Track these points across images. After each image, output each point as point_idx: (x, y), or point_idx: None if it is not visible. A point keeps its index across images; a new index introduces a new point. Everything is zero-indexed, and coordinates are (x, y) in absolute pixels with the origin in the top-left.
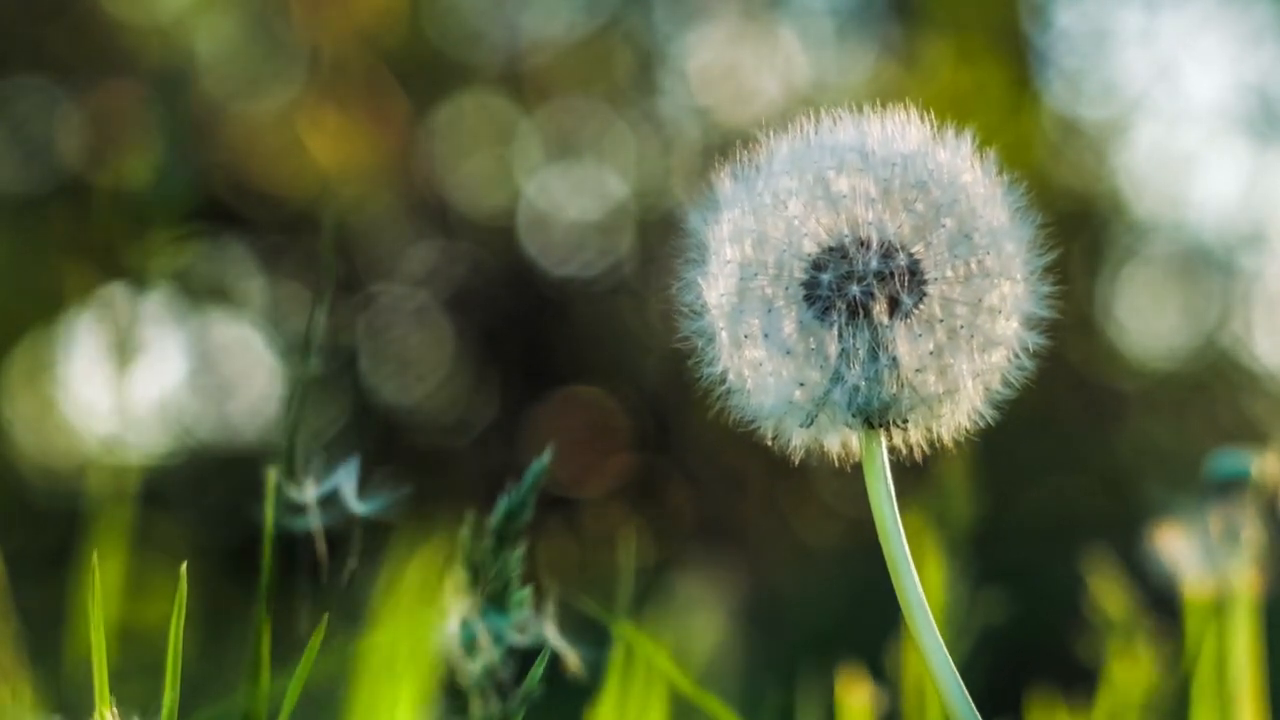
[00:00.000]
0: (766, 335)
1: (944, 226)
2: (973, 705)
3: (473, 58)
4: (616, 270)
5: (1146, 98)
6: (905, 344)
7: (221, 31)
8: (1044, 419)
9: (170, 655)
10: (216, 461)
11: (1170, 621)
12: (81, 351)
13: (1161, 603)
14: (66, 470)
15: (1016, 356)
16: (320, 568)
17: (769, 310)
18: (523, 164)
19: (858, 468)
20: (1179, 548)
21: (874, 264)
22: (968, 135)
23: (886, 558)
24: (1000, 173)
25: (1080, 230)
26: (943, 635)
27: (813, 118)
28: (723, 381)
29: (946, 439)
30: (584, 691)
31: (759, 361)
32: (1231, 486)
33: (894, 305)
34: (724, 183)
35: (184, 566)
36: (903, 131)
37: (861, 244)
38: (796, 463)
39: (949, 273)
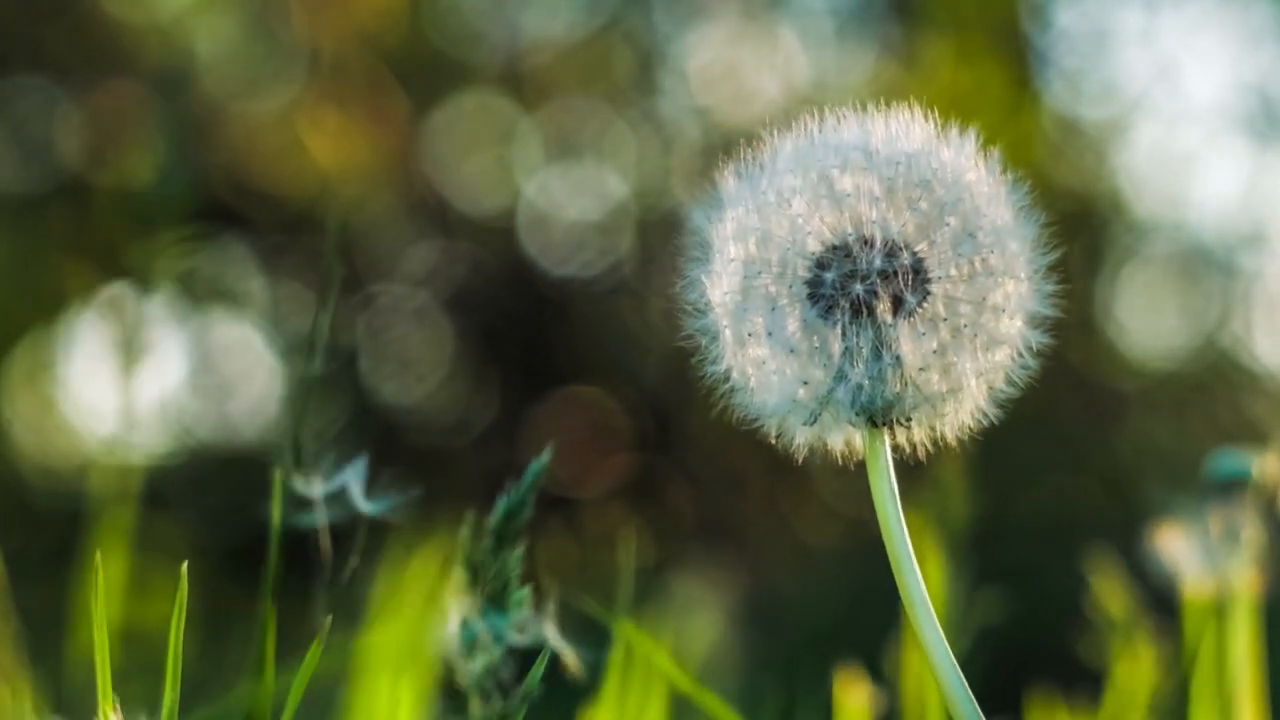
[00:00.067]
0: (770, 333)
1: (948, 225)
2: (975, 703)
3: (473, 58)
4: (616, 270)
5: (1146, 98)
6: (909, 342)
7: (221, 31)
8: (1044, 419)
9: (171, 655)
10: (216, 461)
11: (1170, 621)
12: (82, 351)
13: (1161, 603)
14: (67, 470)
15: (1020, 355)
16: (325, 565)
17: (773, 308)
18: (523, 164)
19: (858, 467)
20: (1179, 548)
21: (878, 262)
22: (971, 134)
23: (890, 556)
24: (1004, 171)
25: (1080, 230)
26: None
27: (817, 116)
28: (726, 380)
29: (950, 438)
30: (583, 691)
31: (762, 360)
32: (1231, 486)
33: (898, 304)
34: (728, 181)
35: (185, 566)
36: (907, 130)
37: (865, 242)
38: (797, 462)
39: (953, 271)
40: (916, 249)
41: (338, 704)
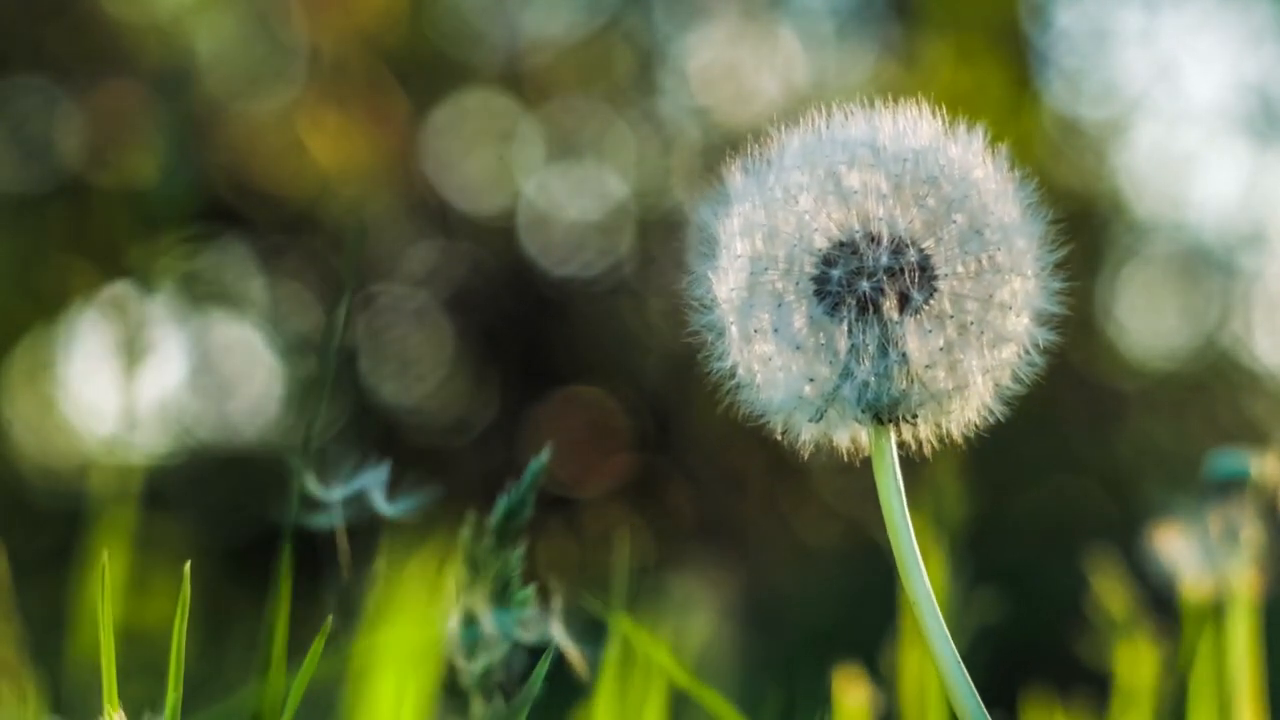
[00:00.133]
0: (776, 330)
1: (955, 222)
2: (978, 698)
3: (473, 58)
4: (616, 270)
5: (1146, 98)
6: (915, 340)
7: (221, 31)
8: (1044, 419)
9: (174, 655)
10: (216, 461)
11: (1169, 621)
12: (82, 351)
13: (1160, 603)
14: (67, 470)
15: (1026, 352)
16: (344, 568)
17: (779, 305)
18: (523, 164)
19: (858, 466)
20: (1178, 548)
21: (884, 259)
22: (979, 131)
23: (895, 553)
24: (1010, 169)
25: (1080, 230)
26: None
27: (824, 112)
28: (732, 376)
29: (956, 435)
30: (580, 689)
31: (769, 356)
32: (1230, 486)
33: (904, 301)
34: (735, 176)
35: (188, 566)
36: (914, 127)
37: (872, 239)
38: (797, 462)
39: (960, 268)
40: (923, 246)
41: (339, 704)
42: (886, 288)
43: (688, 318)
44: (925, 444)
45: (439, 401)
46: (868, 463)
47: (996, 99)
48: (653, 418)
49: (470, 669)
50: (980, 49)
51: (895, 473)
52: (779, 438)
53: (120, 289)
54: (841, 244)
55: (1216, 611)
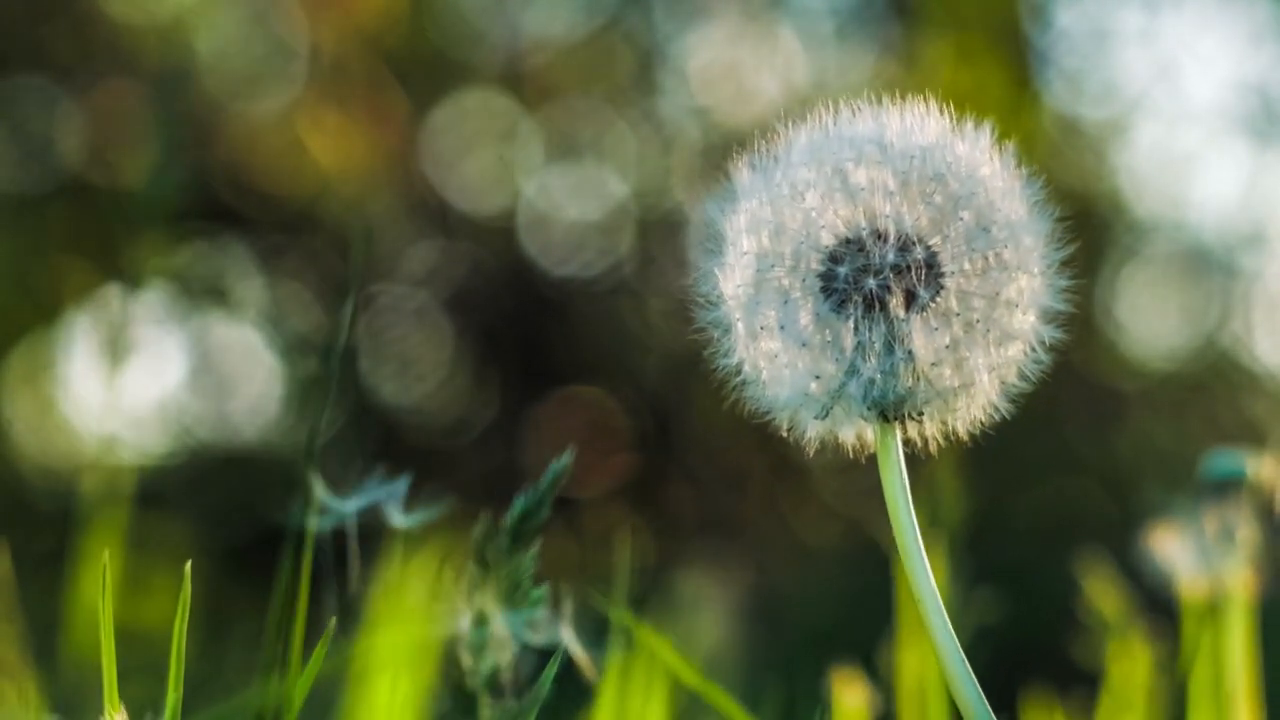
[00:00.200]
0: (783, 327)
1: (962, 219)
2: (982, 695)
3: (473, 57)
4: (616, 270)
5: (1146, 98)
6: (921, 337)
7: (221, 31)
8: (1044, 419)
9: (174, 655)
10: (216, 461)
11: (1166, 622)
12: (81, 351)
13: (1158, 603)
14: (67, 470)
15: (1032, 350)
16: (350, 570)
17: (785, 302)
18: (523, 164)
19: (858, 467)
20: (1175, 548)
21: (891, 257)
22: (986, 128)
23: (899, 550)
24: (1017, 166)
25: (1080, 230)
26: None
27: (831, 109)
28: (738, 373)
29: (961, 432)
30: (587, 690)
31: (775, 353)
32: (1227, 487)
33: (910, 298)
34: (742, 173)
35: (188, 566)
36: (921, 124)
37: (879, 237)
38: (797, 462)
39: (966, 266)
40: (930, 243)
41: (340, 705)
42: (893, 285)
43: (689, 316)
44: (930, 442)
45: (439, 401)
46: (868, 462)
47: (997, 99)
48: (653, 418)
49: (478, 670)
50: (980, 49)
51: (900, 470)
52: (784, 435)
53: (113, 289)
54: (848, 241)
55: (1213, 612)
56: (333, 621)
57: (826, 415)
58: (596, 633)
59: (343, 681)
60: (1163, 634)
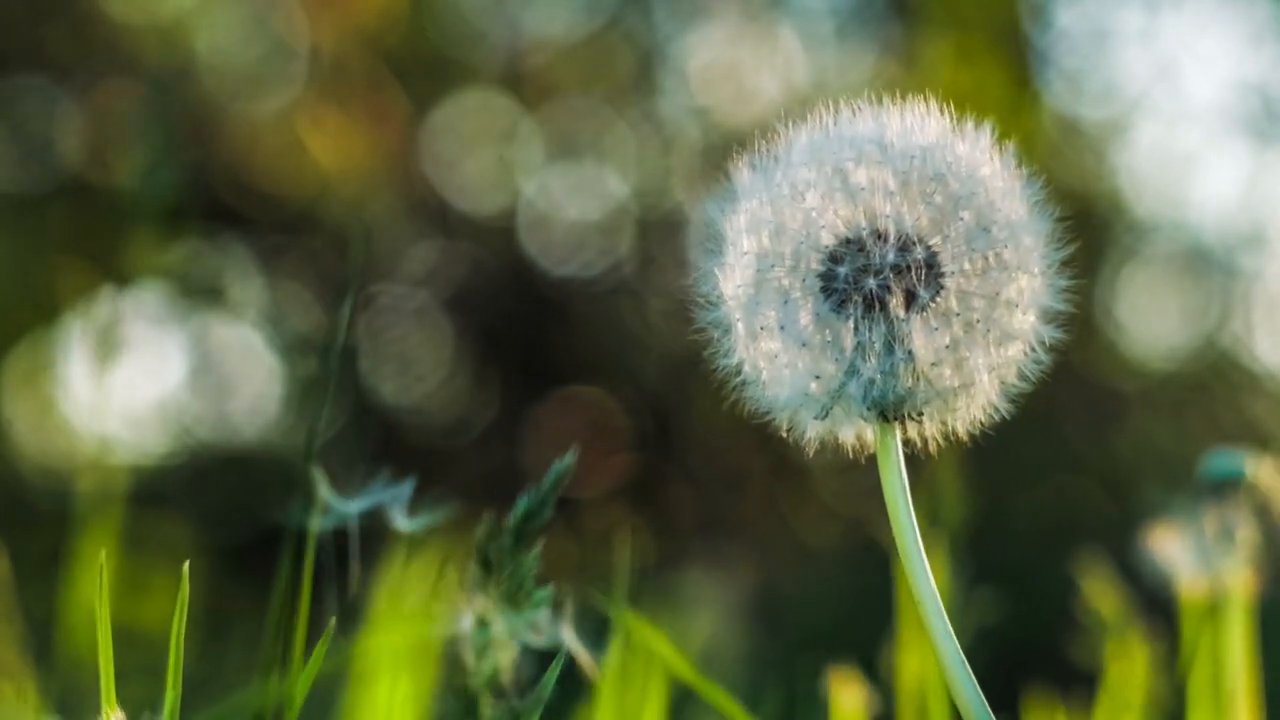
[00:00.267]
0: (783, 327)
1: (962, 219)
2: (982, 695)
3: (473, 57)
4: (616, 270)
5: (1146, 98)
6: (921, 337)
7: (221, 31)
8: (1044, 419)
9: (172, 655)
10: (216, 461)
11: (1166, 622)
12: (81, 351)
13: (1157, 603)
14: (66, 470)
15: (1032, 350)
16: (351, 571)
17: (785, 302)
18: (523, 164)
19: (858, 467)
20: (1174, 548)
21: (891, 257)
22: (986, 128)
23: (899, 551)
24: (1018, 166)
25: (1080, 230)
26: None
27: (831, 109)
28: (738, 373)
29: (961, 433)
30: (587, 690)
31: (775, 353)
32: (1227, 487)
33: (911, 298)
34: (742, 173)
35: (186, 566)
36: (921, 124)
37: (879, 237)
38: (797, 462)
39: (966, 266)
40: (930, 243)
41: (340, 705)
42: (893, 285)
43: (689, 316)
44: (930, 442)
45: (439, 401)
46: (868, 462)
47: (997, 99)
48: (653, 418)
49: (480, 669)
50: (980, 49)
51: (900, 471)
52: (784, 435)
53: (105, 288)
54: (848, 241)
55: (1213, 612)
56: (333, 621)
57: (826, 415)
58: (597, 633)
59: (343, 682)
60: (1162, 634)
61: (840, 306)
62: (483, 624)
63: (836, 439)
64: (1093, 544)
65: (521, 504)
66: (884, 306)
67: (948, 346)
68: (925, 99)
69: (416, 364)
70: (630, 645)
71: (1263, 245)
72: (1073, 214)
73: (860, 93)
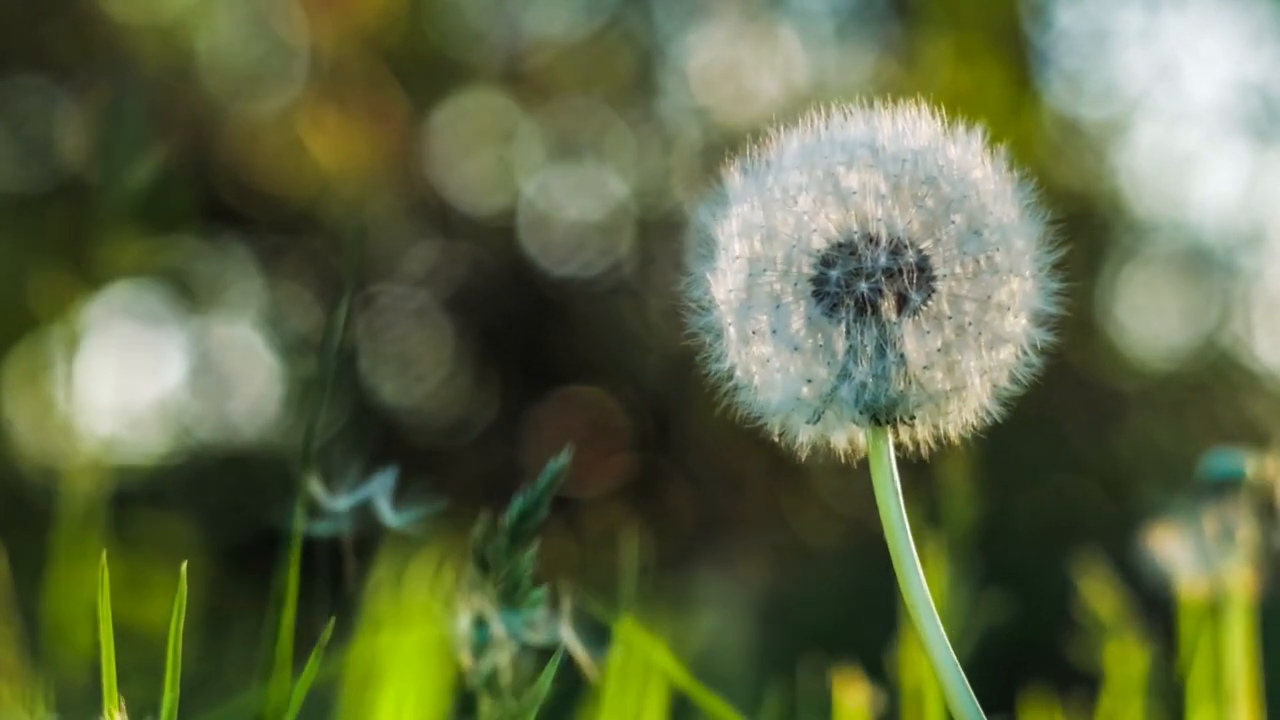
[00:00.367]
0: (774, 331)
1: (954, 223)
2: (976, 702)
3: (473, 58)
4: (616, 270)
5: (1146, 98)
6: (913, 341)
7: (221, 31)
8: (1044, 419)
9: (170, 655)
10: (216, 461)
11: (1166, 623)
12: (80, 351)
13: (1157, 604)
14: (60, 470)
15: (1024, 353)
16: (345, 572)
17: (777, 306)
18: (523, 164)
19: (859, 467)
20: (1174, 548)
21: (883, 261)
22: (978, 131)
23: (892, 555)
24: (1009, 169)
25: (1080, 230)
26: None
27: (823, 113)
28: (730, 377)
29: (953, 436)
30: (586, 690)
31: (766, 357)
32: (1227, 487)
33: (902, 302)
34: (734, 177)
35: (184, 566)
36: (913, 127)
37: (870, 240)
38: (797, 462)
39: (958, 269)
40: (922, 246)
41: (337, 707)
42: (885, 289)
43: (687, 318)
44: (923, 445)
45: (439, 401)
46: (867, 463)
47: (996, 99)
48: (653, 418)
49: (478, 669)
50: (980, 49)
51: (893, 474)
52: (777, 439)
53: (116, 290)
54: (840, 245)
55: (1213, 612)
56: (330, 623)
57: (818, 419)
58: (596, 632)
59: (341, 682)
60: (1162, 634)
61: (832, 310)
62: (480, 623)
63: (829, 443)
64: (1092, 544)
65: (517, 504)
66: (876, 310)
67: (939, 350)
68: (924, 100)
69: (416, 364)
70: (631, 647)
71: (1263, 245)
72: (1073, 214)
73: (860, 93)
